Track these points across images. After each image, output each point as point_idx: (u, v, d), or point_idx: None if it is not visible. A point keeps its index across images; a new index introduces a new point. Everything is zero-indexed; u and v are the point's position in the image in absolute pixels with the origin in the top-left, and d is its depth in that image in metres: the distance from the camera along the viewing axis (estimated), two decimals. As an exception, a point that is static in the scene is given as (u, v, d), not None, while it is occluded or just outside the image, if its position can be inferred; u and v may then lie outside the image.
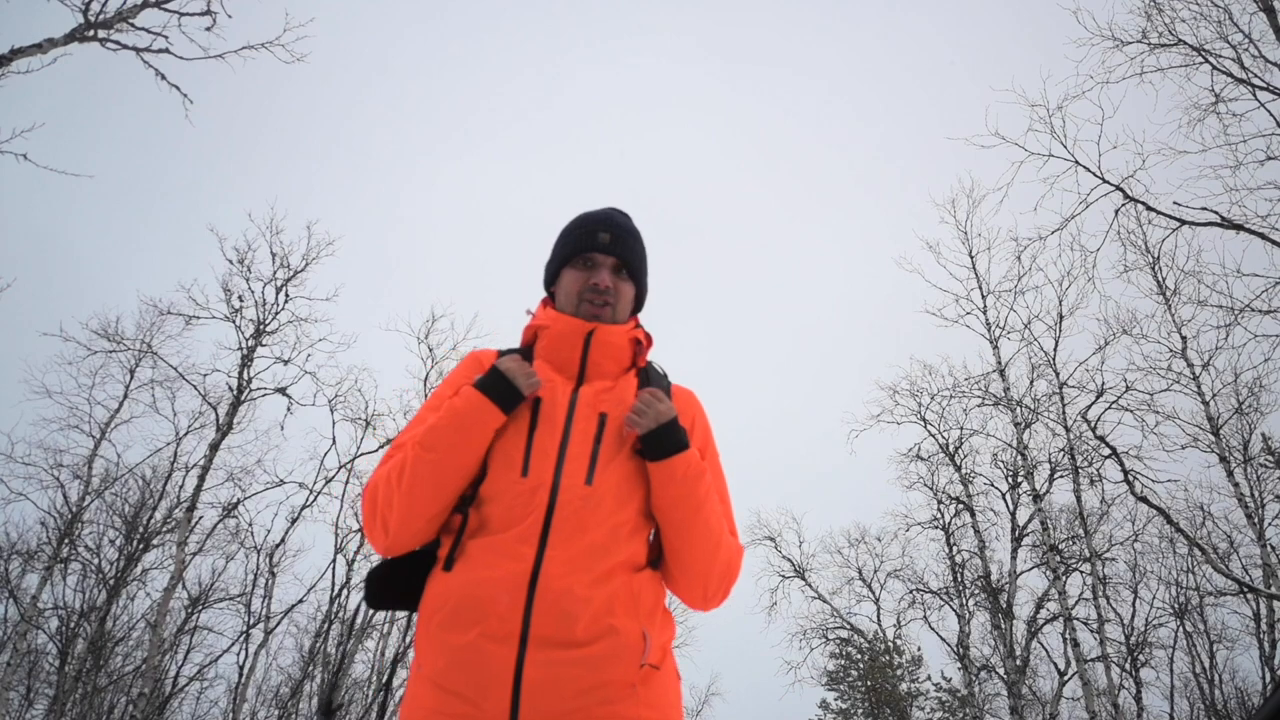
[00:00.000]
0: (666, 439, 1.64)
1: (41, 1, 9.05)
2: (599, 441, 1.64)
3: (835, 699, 25.65)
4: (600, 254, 1.85)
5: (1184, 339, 14.72)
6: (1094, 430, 13.76)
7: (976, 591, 19.90)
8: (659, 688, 1.54)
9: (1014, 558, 19.00)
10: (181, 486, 19.12)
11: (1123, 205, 11.02)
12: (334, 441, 18.27)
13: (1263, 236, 9.53)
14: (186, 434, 18.68)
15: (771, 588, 22.34)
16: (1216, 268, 24.60)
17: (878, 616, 23.29)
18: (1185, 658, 21.05)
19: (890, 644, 23.78)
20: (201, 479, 14.51)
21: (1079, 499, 15.48)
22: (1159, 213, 10.57)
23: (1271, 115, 9.84)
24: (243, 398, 15.12)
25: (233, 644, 19.43)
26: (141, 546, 18.69)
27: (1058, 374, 16.13)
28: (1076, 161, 11.24)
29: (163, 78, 9.70)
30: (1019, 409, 16.26)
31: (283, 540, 18.91)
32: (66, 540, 17.14)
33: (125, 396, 17.85)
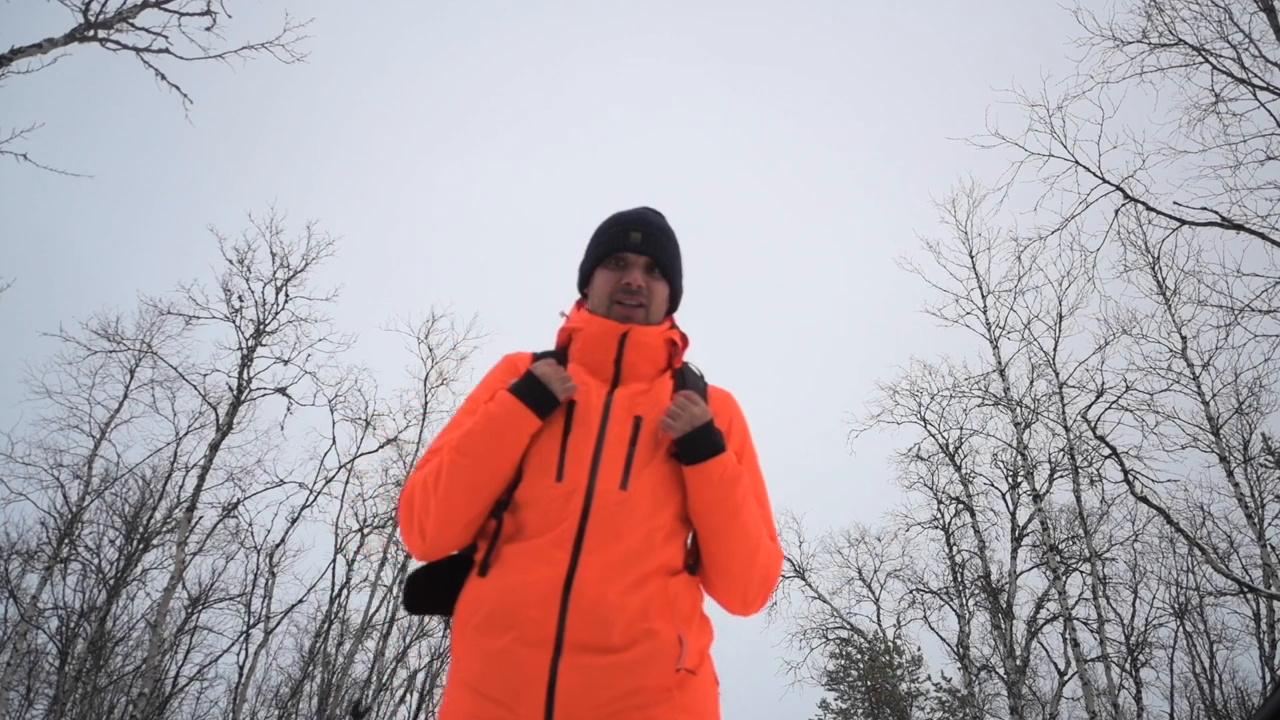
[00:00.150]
0: (702, 442, 1.62)
1: (41, 1, 9.05)
2: (634, 445, 1.63)
3: (835, 699, 25.64)
4: (632, 253, 1.82)
5: (1184, 339, 14.71)
6: (1094, 430, 13.74)
7: (976, 591, 19.90)
8: (696, 693, 1.52)
9: (1014, 558, 19.00)
10: (181, 486, 19.15)
11: (1123, 205, 11.02)
12: (334, 441, 18.32)
13: (1263, 236, 9.53)
14: (186, 434, 18.71)
15: (771, 587, 22.29)
16: (1216, 268, 24.64)
17: (878, 616, 23.29)
18: (1185, 658, 21.10)
19: (890, 644, 23.77)
20: (201, 479, 14.51)
21: (1079, 499, 15.48)
22: (1159, 213, 10.58)
23: (1271, 115, 9.85)
24: (243, 398, 15.11)
25: (233, 644, 19.46)
26: (141, 546, 18.69)
27: (1058, 374, 16.13)
28: (1076, 161, 11.24)
29: (163, 78, 9.70)
30: (1019, 409, 16.26)
31: (283, 540, 18.95)
32: (66, 540, 17.12)
33: (125, 396, 17.86)
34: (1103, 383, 15.50)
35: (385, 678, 18.84)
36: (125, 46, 9.42)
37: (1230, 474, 13.94)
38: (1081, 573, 18.29)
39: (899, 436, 48.92)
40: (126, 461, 19.29)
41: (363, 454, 18.95)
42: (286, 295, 15.85)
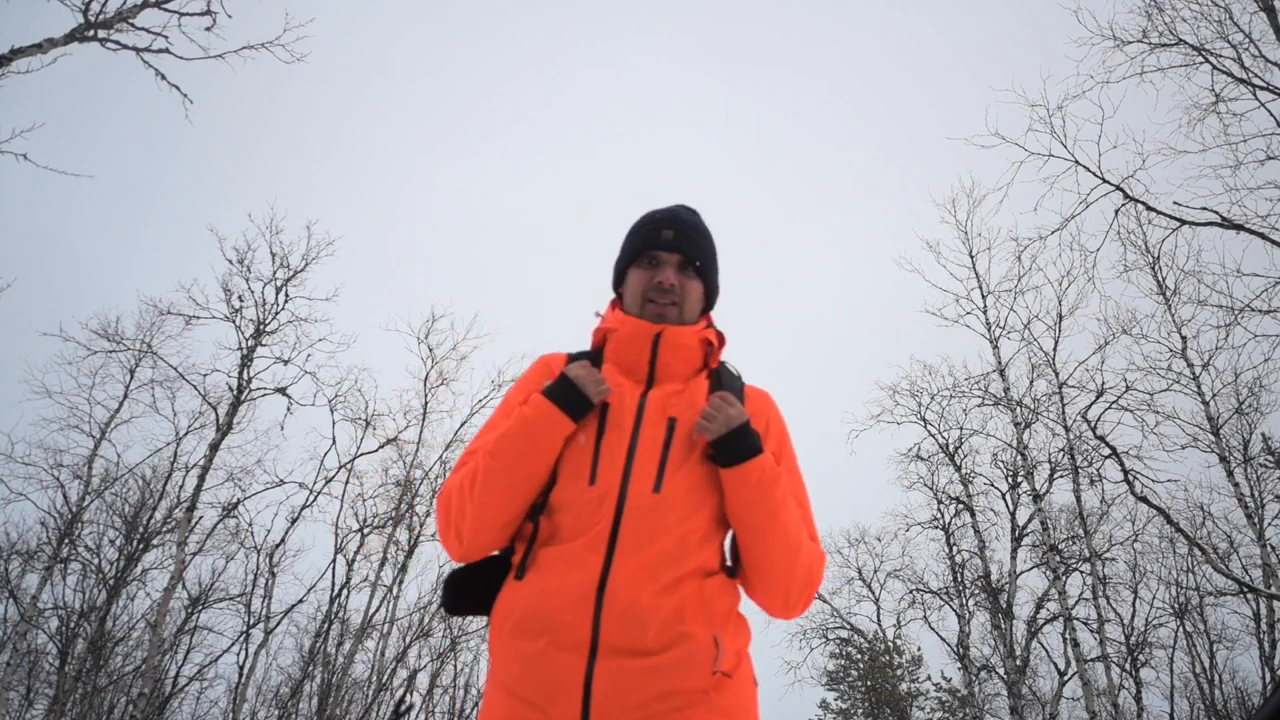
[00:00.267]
0: (738, 444, 1.60)
1: (41, 1, 9.04)
2: (668, 447, 1.61)
3: (835, 699, 25.63)
4: (664, 251, 1.80)
5: (1184, 339, 14.71)
6: (1094, 430, 13.74)
7: (976, 591, 19.91)
8: (733, 695, 1.51)
9: (1014, 558, 19.01)
10: (181, 486, 19.12)
11: (1123, 205, 11.02)
12: (334, 441, 18.31)
13: (1263, 236, 9.53)
14: (186, 434, 18.69)
15: (771, 587, 22.29)
16: (1216, 268, 24.64)
17: (878, 616, 23.34)
18: (1185, 658, 21.11)
19: (890, 644, 23.79)
20: (201, 479, 14.50)
21: (1079, 499, 15.48)
22: (1159, 212, 10.58)
23: (1271, 115, 9.86)
24: (243, 398, 15.11)
25: (233, 644, 19.43)
26: (141, 546, 18.67)
27: (1057, 374, 16.13)
28: (1076, 161, 11.24)
29: (163, 78, 9.68)
30: (1019, 409, 16.26)
31: (283, 540, 18.92)
32: (66, 540, 17.11)
33: (125, 396, 17.84)
34: (1103, 383, 15.51)
35: (385, 678, 18.84)
36: (125, 46, 9.41)
37: (1230, 474, 13.94)
38: (1081, 573, 18.30)
39: (899, 436, 48.97)
40: (126, 461, 19.27)
41: (363, 454, 18.96)
42: (286, 295, 15.86)
